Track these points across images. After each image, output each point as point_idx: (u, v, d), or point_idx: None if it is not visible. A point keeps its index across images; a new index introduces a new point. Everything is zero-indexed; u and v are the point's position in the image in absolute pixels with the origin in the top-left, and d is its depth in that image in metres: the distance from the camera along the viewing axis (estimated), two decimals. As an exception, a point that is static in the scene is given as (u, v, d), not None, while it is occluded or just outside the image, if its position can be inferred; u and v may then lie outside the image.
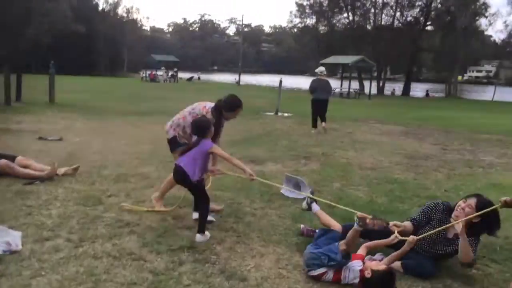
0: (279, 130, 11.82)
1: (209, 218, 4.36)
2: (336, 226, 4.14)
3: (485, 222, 3.64)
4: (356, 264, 3.50)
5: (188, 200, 4.69)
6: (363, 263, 3.50)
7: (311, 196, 4.66)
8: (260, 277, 3.45)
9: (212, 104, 4.70)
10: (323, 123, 11.82)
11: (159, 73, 44.61)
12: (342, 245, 3.61)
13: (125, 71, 68.11)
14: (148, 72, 44.24)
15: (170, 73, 44.80)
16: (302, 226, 4.46)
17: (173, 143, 4.83)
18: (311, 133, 11.52)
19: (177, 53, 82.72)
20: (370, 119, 15.82)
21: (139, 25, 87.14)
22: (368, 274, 3.34)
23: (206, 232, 4.14)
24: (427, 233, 3.71)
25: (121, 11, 77.90)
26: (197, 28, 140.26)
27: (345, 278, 3.43)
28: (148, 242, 3.94)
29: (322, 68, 12.31)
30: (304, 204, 4.61)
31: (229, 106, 4.64)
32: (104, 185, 5.66)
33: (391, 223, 3.71)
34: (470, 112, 22.66)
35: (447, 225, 3.69)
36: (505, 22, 67.07)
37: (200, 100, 4.86)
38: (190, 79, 50.41)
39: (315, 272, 3.52)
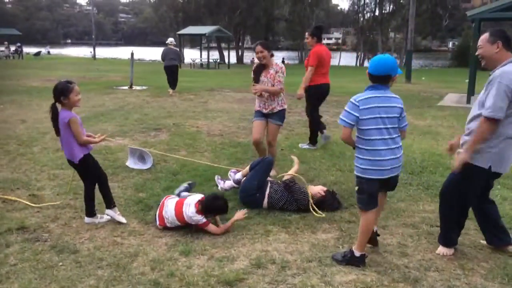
0: (132, 104, 11.61)
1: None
2: None
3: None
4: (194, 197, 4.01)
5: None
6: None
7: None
8: (93, 247, 3.55)
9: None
10: (171, 90, 13.83)
11: (0, 48, 39.99)
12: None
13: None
14: (-16, 49, 39.28)
15: (13, 49, 40.41)
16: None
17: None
18: (166, 100, 12.75)
19: (22, 25, 74.23)
20: (225, 88, 16.33)
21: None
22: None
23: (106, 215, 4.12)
24: None
25: None
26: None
27: (185, 212, 3.81)
28: (-30, 229, 3.76)
29: (171, 39, 14.19)
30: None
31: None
32: None
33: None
34: (317, 76, 24.59)
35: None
36: (347, -8, 73.23)
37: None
38: (38, 54, 46.00)
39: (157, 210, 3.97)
